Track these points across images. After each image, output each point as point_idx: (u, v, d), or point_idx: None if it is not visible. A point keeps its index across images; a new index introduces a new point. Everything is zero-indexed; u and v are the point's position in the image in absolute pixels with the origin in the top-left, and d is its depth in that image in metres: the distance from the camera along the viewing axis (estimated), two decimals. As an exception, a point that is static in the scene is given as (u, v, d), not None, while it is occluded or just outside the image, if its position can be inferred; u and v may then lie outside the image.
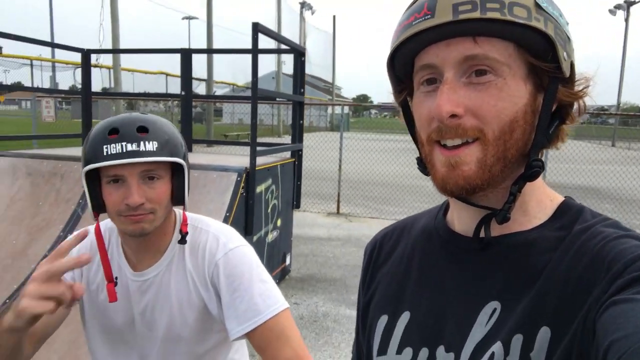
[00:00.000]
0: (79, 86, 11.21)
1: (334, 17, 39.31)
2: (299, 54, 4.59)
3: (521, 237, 0.61)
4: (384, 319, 0.71)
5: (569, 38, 0.59)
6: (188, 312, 1.17)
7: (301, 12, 34.59)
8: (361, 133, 22.84)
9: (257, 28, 3.41)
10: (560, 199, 0.65)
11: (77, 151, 4.35)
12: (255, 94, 3.56)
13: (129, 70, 15.63)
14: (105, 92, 11.32)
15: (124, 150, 1.02)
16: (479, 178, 0.58)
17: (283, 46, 4.73)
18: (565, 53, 0.57)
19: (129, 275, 1.19)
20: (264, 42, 3.49)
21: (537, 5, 0.56)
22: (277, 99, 5.00)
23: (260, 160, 3.81)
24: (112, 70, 13.36)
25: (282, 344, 1.12)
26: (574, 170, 10.07)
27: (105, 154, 1.02)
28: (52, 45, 4.53)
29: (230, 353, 1.31)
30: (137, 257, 1.18)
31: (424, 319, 0.66)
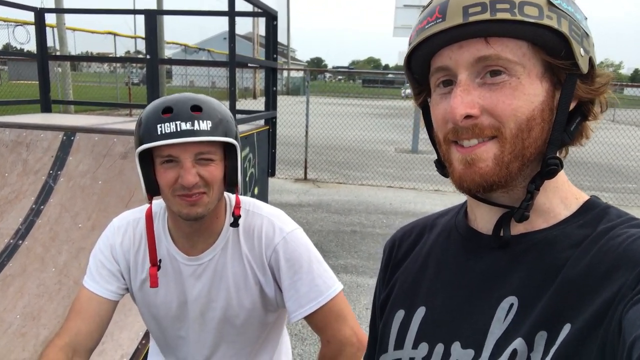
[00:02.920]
0: (17, 46, 10.39)
1: (288, -24, 38.11)
2: (272, 17, 4.45)
3: (543, 234, 0.62)
4: (400, 314, 0.72)
5: (586, 34, 0.59)
6: (244, 296, 1.17)
7: (254, -30, 33.20)
8: (318, 97, 22.72)
9: (235, -11, 3.27)
10: (585, 197, 0.65)
11: (40, 118, 4.10)
12: (234, 61, 3.45)
13: (74, 30, 14.63)
14: (65, 56, 10.54)
15: (179, 130, 0.99)
16: (495, 175, 0.59)
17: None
18: (582, 49, 0.58)
19: (181, 260, 1.17)
20: (223, 3, 3.35)
21: (550, 3, 0.56)
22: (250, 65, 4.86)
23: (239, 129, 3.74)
24: (55, 29, 12.46)
25: (340, 324, 1.15)
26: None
27: (159, 133, 0.99)
28: (2, 3, 4.16)
29: (281, 336, 1.33)
30: (189, 241, 1.16)
31: (440, 315, 0.67)
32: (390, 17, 11.45)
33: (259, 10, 4.39)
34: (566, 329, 0.54)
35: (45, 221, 2.91)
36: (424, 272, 0.73)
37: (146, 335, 2.29)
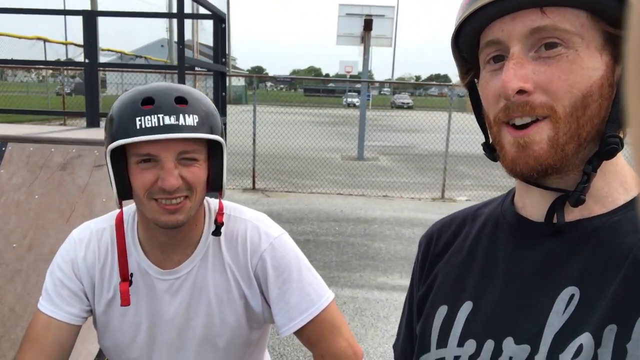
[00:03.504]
0: None
1: (227, -16, 37.74)
2: (220, 19, 4.33)
3: (602, 220, 0.57)
4: (443, 310, 0.67)
5: None
6: (228, 311, 1.04)
7: (192, -23, 32.63)
8: (262, 106, 22.56)
9: (184, -9, 3.14)
10: None
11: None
12: (183, 65, 3.31)
13: (-3, 34, 13.64)
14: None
15: (161, 124, 0.86)
16: (550, 158, 0.55)
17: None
18: None
19: (154, 274, 1.03)
20: (154, 6, 3.21)
21: None
22: (197, 69, 4.68)
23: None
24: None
25: (335, 336, 1.05)
26: (468, 141, 10.92)
27: (138, 127, 0.85)
28: None
29: (264, 352, 1.22)
30: (164, 253, 1.02)
31: (489, 309, 0.62)
32: (331, 26, 11.59)
33: (207, 13, 4.25)
34: None
35: (-26, 241, 2.62)
36: (470, 264, 0.67)
37: (95, 363, 2.10)
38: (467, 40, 0.61)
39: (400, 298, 3.80)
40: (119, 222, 1.03)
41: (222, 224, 1.03)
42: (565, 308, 0.55)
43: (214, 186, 0.99)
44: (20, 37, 13.50)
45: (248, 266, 1.04)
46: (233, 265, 1.04)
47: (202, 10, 4.33)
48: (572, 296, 0.55)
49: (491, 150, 0.63)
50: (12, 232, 2.66)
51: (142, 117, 0.86)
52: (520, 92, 0.54)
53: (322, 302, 1.04)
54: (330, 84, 52.08)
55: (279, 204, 6.70)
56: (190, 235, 1.02)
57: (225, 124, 4.53)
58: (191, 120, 0.89)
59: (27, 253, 2.53)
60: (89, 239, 1.05)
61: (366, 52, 11.20)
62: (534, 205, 0.63)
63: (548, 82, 0.53)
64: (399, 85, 42.07)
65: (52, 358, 0.98)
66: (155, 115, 0.86)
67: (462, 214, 0.76)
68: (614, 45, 0.55)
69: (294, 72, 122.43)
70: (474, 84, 0.66)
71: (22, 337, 2.29)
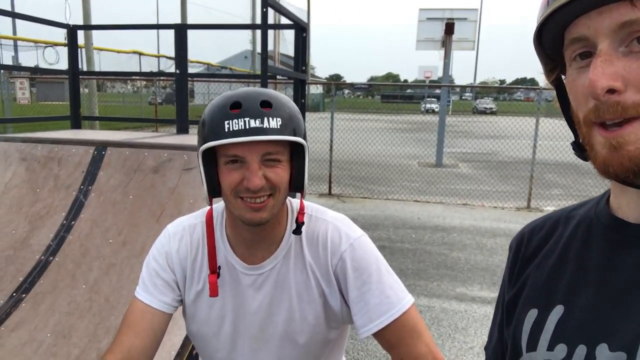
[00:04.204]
0: (46, 67, 10.64)
1: (308, -6, 38.61)
2: (301, 29, 4.43)
3: None
4: (533, 313, 0.65)
5: None
6: (308, 308, 1.07)
7: (274, -11, 33.74)
8: (338, 113, 22.78)
9: (267, 2, 3.25)
10: None
11: (71, 134, 4.12)
12: (266, 73, 3.42)
13: (100, 50, 14.97)
14: (96, 72, 10.78)
15: (247, 127, 0.91)
16: None
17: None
18: None
19: (240, 269, 1.08)
20: (246, 18, 3.34)
21: None
22: (278, 78, 4.85)
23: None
24: (83, 49, 12.76)
25: (415, 340, 1.04)
26: (557, 148, 10.26)
27: (227, 130, 0.91)
28: (37, 20, 4.23)
29: (342, 353, 1.23)
30: (249, 249, 1.07)
31: (582, 314, 0.59)
32: (410, 32, 11.43)
33: (289, 23, 4.38)
34: None
35: (76, 237, 2.88)
36: (562, 267, 0.65)
37: (179, 355, 2.21)
38: (551, 38, 0.58)
39: (481, 310, 3.64)
40: (209, 219, 1.08)
41: (303, 223, 1.06)
42: None
43: (296, 186, 1.02)
44: (119, 52, 14.73)
45: (328, 266, 1.05)
46: (314, 264, 1.06)
47: (284, 21, 4.47)
48: None
49: (581, 149, 0.60)
50: (109, 229, 2.88)
51: (230, 121, 0.91)
52: (611, 91, 0.50)
53: (402, 305, 1.04)
54: (408, 90, 51.33)
55: (354, 209, 6.70)
56: (273, 234, 1.06)
57: (305, 131, 4.62)
58: (275, 123, 0.92)
59: (122, 248, 2.74)
60: (182, 234, 1.12)
61: (447, 57, 10.93)
62: (630, 206, 0.59)
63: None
64: (481, 90, 40.51)
65: (146, 342, 1.05)
66: (242, 119, 0.91)
67: (555, 215, 0.73)
68: None
69: (372, 78, 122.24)
70: (561, 81, 0.62)
71: (115, 325, 2.48)
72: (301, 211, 1.06)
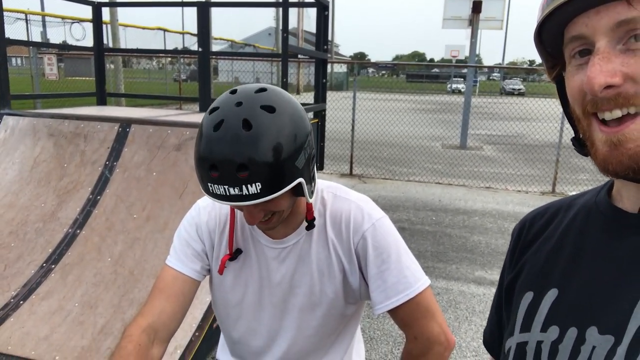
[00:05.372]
0: (74, 43, 10.80)
1: (333, -30, 37.95)
2: (323, 7, 4.38)
3: None
4: (529, 296, 0.68)
5: None
6: (327, 283, 1.12)
7: (299, -35, 33.25)
8: (362, 92, 22.54)
9: (289, -21, 3.22)
10: None
11: (96, 110, 4.20)
12: (286, 52, 3.40)
13: (125, 26, 15.08)
14: (121, 49, 10.91)
15: (228, 194, 0.90)
16: None
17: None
18: None
19: (265, 242, 1.14)
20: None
21: None
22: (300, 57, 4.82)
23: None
24: (109, 26, 12.87)
25: (429, 320, 1.09)
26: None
27: (211, 191, 0.93)
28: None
29: (355, 334, 1.28)
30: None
31: (575, 297, 0.62)
32: (436, 9, 11.15)
33: (311, 1, 4.33)
34: None
35: (102, 211, 2.96)
36: (558, 252, 0.67)
37: (199, 328, 2.28)
38: (551, 36, 0.59)
39: (499, 294, 3.62)
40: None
41: (314, 219, 1.11)
42: None
43: (299, 194, 1.00)
44: (144, 28, 14.81)
45: (350, 243, 1.10)
46: (336, 241, 1.11)
47: (307, -2, 4.41)
48: None
49: (581, 145, 0.62)
50: (133, 204, 2.95)
51: (212, 185, 0.91)
52: (608, 87, 0.52)
53: (418, 285, 1.09)
54: (435, 70, 50.37)
55: (375, 190, 6.69)
56: (297, 211, 1.11)
57: (324, 110, 4.61)
58: (254, 188, 0.89)
59: (145, 223, 2.81)
60: (212, 207, 1.18)
61: (474, 36, 10.64)
62: (630, 198, 0.61)
63: (639, 73, 0.51)
64: (509, 70, 39.52)
65: (176, 307, 1.10)
66: (222, 186, 0.90)
67: (557, 203, 0.75)
68: None
69: (397, 57, 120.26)
70: (562, 77, 0.63)
71: (139, 297, 2.54)
72: (310, 211, 1.10)
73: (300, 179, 0.94)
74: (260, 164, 0.88)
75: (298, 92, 26.58)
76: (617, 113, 0.52)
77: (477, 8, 10.40)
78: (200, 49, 4.56)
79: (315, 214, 1.11)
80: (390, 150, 9.62)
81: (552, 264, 0.67)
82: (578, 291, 0.62)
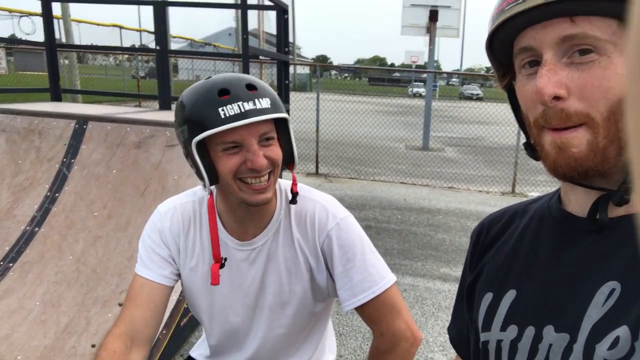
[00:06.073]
0: (23, 37, 10.29)
1: (296, -28, 37.96)
2: (282, 10, 4.35)
3: None
4: (488, 297, 0.71)
5: None
6: (295, 281, 1.12)
7: (262, -34, 33.14)
8: (325, 94, 22.67)
9: (252, -22, 3.17)
10: None
11: (50, 106, 4.01)
12: (247, 53, 3.36)
13: (79, 22, 14.54)
14: (74, 45, 10.47)
15: (243, 110, 0.92)
16: (590, 161, 0.55)
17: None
18: None
19: (233, 245, 1.12)
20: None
21: None
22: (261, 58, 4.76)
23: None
24: (61, 21, 12.37)
25: (395, 317, 1.11)
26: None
27: (223, 116, 0.92)
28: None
29: (326, 330, 1.29)
30: (241, 226, 1.11)
31: (532, 298, 0.65)
32: (397, 16, 11.33)
33: (270, 4, 4.29)
34: None
35: (61, 209, 2.83)
36: (515, 255, 0.71)
37: (166, 326, 2.21)
38: (501, 46, 0.62)
39: (464, 290, 3.69)
40: (212, 208, 1.09)
41: (297, 193, 1.10)
42: (605, 301, 0.56)
43: (289, 160, 1.07)
44: (99, 24, 14.31)
45: (316, 242, 1.11)
46: (302, 240, 1.11)
47: (268, 2, 4.38)
48: (612, 290, 0.56)
49: (533, 150, 0.65)
50: (94, 202, 2.83)
51: (224, 107, 0.92)
52: (556, 98, 0.54)
53: (384, 283, 1.10)
54: (396, 74, 51.20)
55: (341, 189, 6.71)
56: (265, 211, 1.10)
57: (288, 111, 4.58)
58: (265, 102, 0.96)
59: (107, 222, 2.70)
60: (173, 212, 1.15)
61: (432, 43, 10.87)
62: (578, 202, 0.64)
63: (582, 87, 0.54)
64: (467, 76, 40.64)
65: (147, 313, 1.08)
66: (235, 104, 0.93)
67: (513, 208, 0.79)
68: None
69: (359, 61, 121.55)
70: (512, 86, 0.66)
71: (103, 295, 2.45)
72: (294, 183, 1.10)
73: (289, 118, 1.03)
74: (264, 86, 1.00)
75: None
76: (562, 125, 0.56)
77: (434, 17, 10.64)
78: (157, 47, 4.44)
79: (281, 214, 1.12)
80: (355, 150, 9.68)
81: (510, 266, 0.70)
82: (534, 292, 0.65)
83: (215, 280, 1.07)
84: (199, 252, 1.13)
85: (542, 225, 0.69)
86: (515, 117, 0.67)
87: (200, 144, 0.97)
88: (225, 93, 0.94)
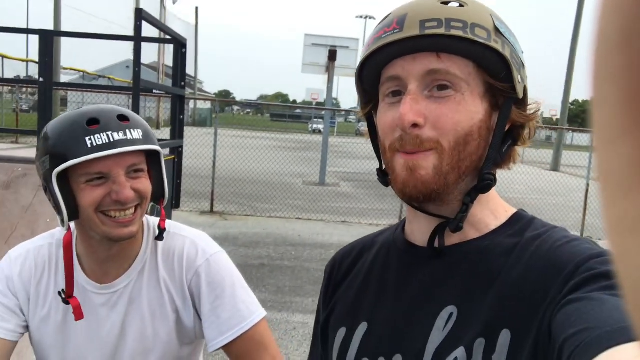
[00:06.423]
0: None
1: (197, 8, 37.96)
2: (181, 45, 4.36)
3: (476, 244, 0.65)
4: (342, 332, 0.73)
5: (523, 64, 0.66)
6: (160, 325, 1.07)
7: (162, 0, 32.72)
8: (226, 129, 22.53)
9: (140, 15, 3.18)
10: (513, 210, 0.70)
11: None
12: (138, 86, 3.32)
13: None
14: None
15: (111, 140, 0.90)
16: (435, 183, 0.62)
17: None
18: (519, 76, 0.64)
19: (91, 289, 1.05)
20: (130, 28, 3.25)
21: (497, 30, 0.62)
22: (155, 91, 4.69)
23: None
24: None
25: (262, 353, 1.09)
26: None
27: (89, 146, 0.89)
28: None
29: None
30: (102, 268, 1.05)
31: (381, 329, 0.68)
32: (298, 54, 11.79)
33: (167, 37, 4.29)
34: (504, 334, 0.57)
35: None
36: (366, 289, 0.74)
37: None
38: (370, 74, 0.68)
39: (351, 323, 3.81)
40: (68, 243, 1.03)
41: (165, 229, 1.07)
42: (445, 325, 0.62)
43: (158, 195, 1.05)
44: (-26, 52, 13.10)
45: (183, 281, 1.07)
46: (168, 280, 1.08)
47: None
48: (451, 314, 0.62)
49: (384, 175, 0.70)
50: (-54, 252, 2.56)
51: (92, 136, 0.90)
52: (414, 125, 0.61)
53: (252, 318, 1.08)
54: (297, 110, 52.53)
55: (236, 227, 6.66)
56: (130, 250, 1.06)
57: (181, 147, 4.53)
58: (137, 134, 0.95)
59: (-39, 273, 2.44)
60: (25, 257, 1.08)
61: (330, 81, 11.43)
62: (421, 231, 0.69)
63: (437, 118, 0.61)
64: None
65: None
66: (104, 133, 0.91)
67: (361, 242, 0.83)
68: (492, 95, 0.64)
69: (262, 97, 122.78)
70: (371, 114, 0.73)
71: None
72: (162, 218, 1.08)
73: (162, 151, 1.03)
74: (137, 119, 0.99)
75: (158, 127, 25.56)
76: (415, 149, 0.62)
77: (332, 56, 11.23)
78: (41, 79, 4.20)
79: (147, 252, 1.08)
80: (253, 187, 9.70)
81: (361, 300, 0.73)
82: (383, 323, 0.68)
83: (79, 315, 1.01)
84: (53, 299, 1.05)
85: (390, 257, 0.73)
86: (372, 143, 0.72)
87: (62, 177, 0.93)
88: (94, 122, 0.92)
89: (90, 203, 0.94)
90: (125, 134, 0.93)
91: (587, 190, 8.05)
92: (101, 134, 0.91)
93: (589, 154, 8.52)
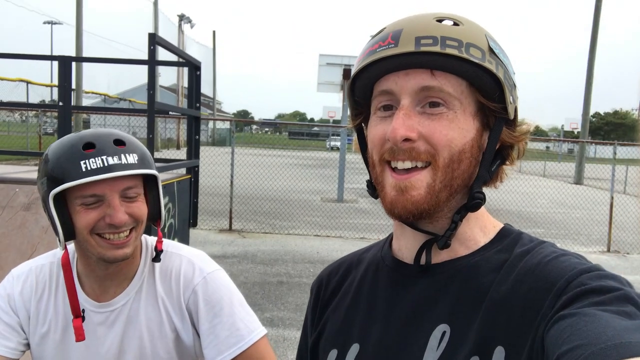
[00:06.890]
0: None
1: (214, 32, 38.81)
2: (195, 67, 4.44)
3: (465, 261, 0.64)
4: (333, 354, 0.71)
5: (514, 85, 0.65)
6: (159, 344, 1.07)
7: (180, 25, 33.55)
8: (245, 148, 22.76)
9: (154, 39, 3.24)
10: (500, 225, 0.69)
11: None
12: (153, 108, 3.37)
13: (-21, 76, 13.68)
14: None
15: (106, 164, 0.93)
16: (426, 203, 0.61)
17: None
18: (511, 97, 0.63)
19: (90, 307, 1.06)
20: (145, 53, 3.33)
21: (491, 50, 0.62)
22: (171, 113, 4.78)
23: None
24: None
25: None
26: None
27: (84, 169, 0.92)
28: None
29: None
30: (101, 286, 1.07)
31: (374, 349, 0.67)
32: (315, 73, 11.90)
33: (182, 60, 4.37)
34: (498, 351, 0.56)
35: None
36: (356, 308, 0.72)
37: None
38: (363, 87, 0.67)
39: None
40: (66, 263, 1.05)
41: (162, 251, 1.09)
42: (439, 344, 0.60)
43: (154, 217, 1.07)
44: (2, 79, 13.57)
45: (181, 299, 1.08)
46: (166, 299, 1.08)
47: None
48: (443, 333, 0.61)
49: (373, 188, 0.69)
50: (-32, 272, 2.60)
51: (87, 160, 0.93)
52: (406, 140, 0.60)
53: (251, 337, 1.07)
54: (315, 128, 52.84)
55: (254, 245, 6.66)
56: (127, 269, 1.07)
57: (197, 167, 4.57)
58: (132, 158, 0.97)
59: (-18, 294, 2.48)
60: (27, 275, 1.09)
61: (345, 99, 11.49)
62: (408, 247, 0.68)
63: (431, 134, 0.60)
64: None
65: None
66: (99, 158, 0.94)
67: (348, 258, 0.80)
68: (484, 114, 0.64)
69: (279, 115, 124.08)
70: (361, 126, 0.72)
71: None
72: (159, 240, 1.09)
73: (159, 175, 1.04)
74: (133, 141, 1.01)
75: (178, 147, 26.03)
76: (408, 164, 0.61)
77: (347, 75, 11.30)
78: (60, 103, 4.31)
79: (144, 272, 1.09)
80: (271, 204, 9.73)
81: (352, 320, 0.71)
82: (375, 343, 0.67)
83: (80, 336, 1.01)
84: (52, 317, 1.07)
85: (378, 274, 0.72)
86: (362, 156, 0.70)
87: (60, 198, 0.95)
88: (90, 147, 0.94)
89: (85, 225, 0.96)
90: (120, 158, 0.95)
91: (611, 204, 7.84)
92: (96, 158, 0.93)
93: (612, 167, 8.33)
